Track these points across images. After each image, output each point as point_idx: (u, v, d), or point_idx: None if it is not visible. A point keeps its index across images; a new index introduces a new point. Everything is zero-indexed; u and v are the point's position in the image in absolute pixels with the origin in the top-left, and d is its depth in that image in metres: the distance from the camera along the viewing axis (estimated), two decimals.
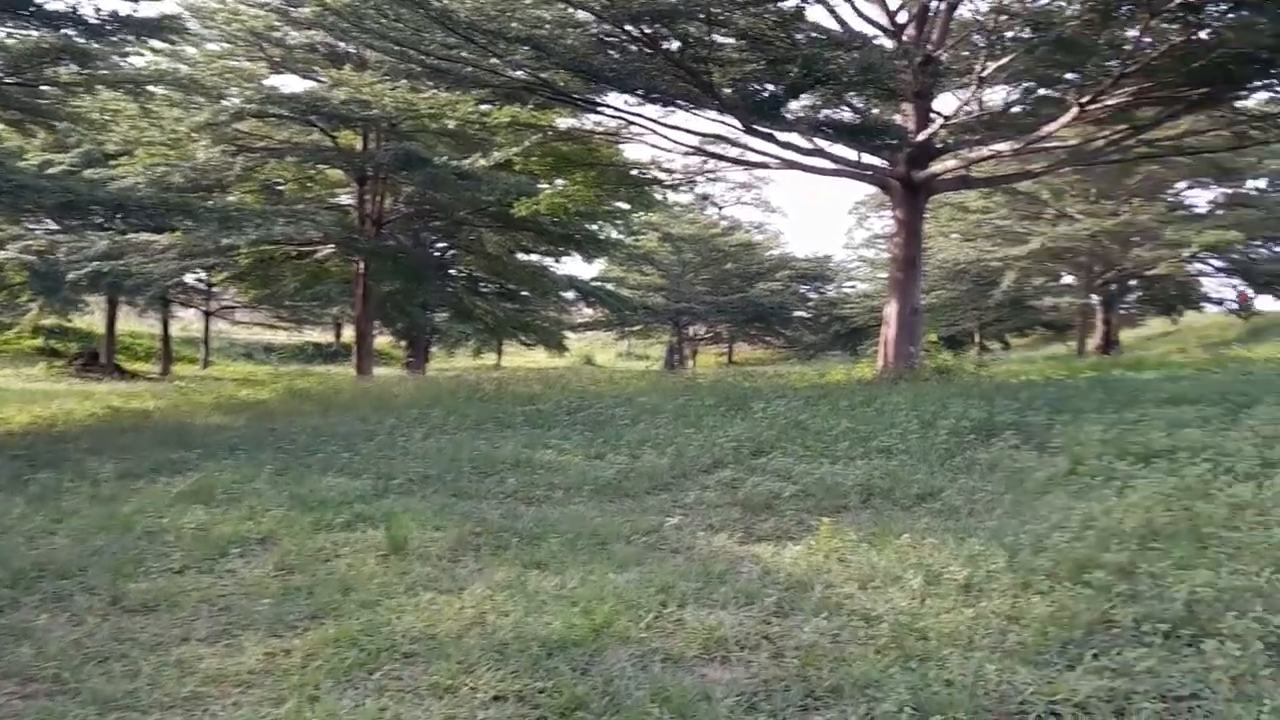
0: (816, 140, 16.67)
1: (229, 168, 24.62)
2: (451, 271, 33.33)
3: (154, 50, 22.57)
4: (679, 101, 15.71)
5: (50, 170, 26.13)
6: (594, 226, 31.91)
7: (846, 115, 17.17)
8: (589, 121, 18.05)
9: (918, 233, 17.37)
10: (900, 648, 4.28)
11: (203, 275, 40.94)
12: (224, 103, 22.03)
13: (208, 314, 45.34)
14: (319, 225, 23.63)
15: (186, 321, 53.30)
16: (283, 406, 14.81)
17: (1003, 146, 16.76)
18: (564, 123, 17.53)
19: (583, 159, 18.75)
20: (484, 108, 16.80)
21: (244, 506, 7.37)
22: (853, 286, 54.89)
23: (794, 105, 15.93)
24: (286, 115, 23.33)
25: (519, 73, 14.88)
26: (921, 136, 16.27)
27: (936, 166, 17.03)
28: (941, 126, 16.41)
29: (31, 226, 29.26)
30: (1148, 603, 4.47)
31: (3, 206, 15.88)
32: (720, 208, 66.59)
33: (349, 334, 45.99)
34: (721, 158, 18.29)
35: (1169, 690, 3.71)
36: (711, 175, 55.10)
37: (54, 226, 28.93)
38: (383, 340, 50.90)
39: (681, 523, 6.82)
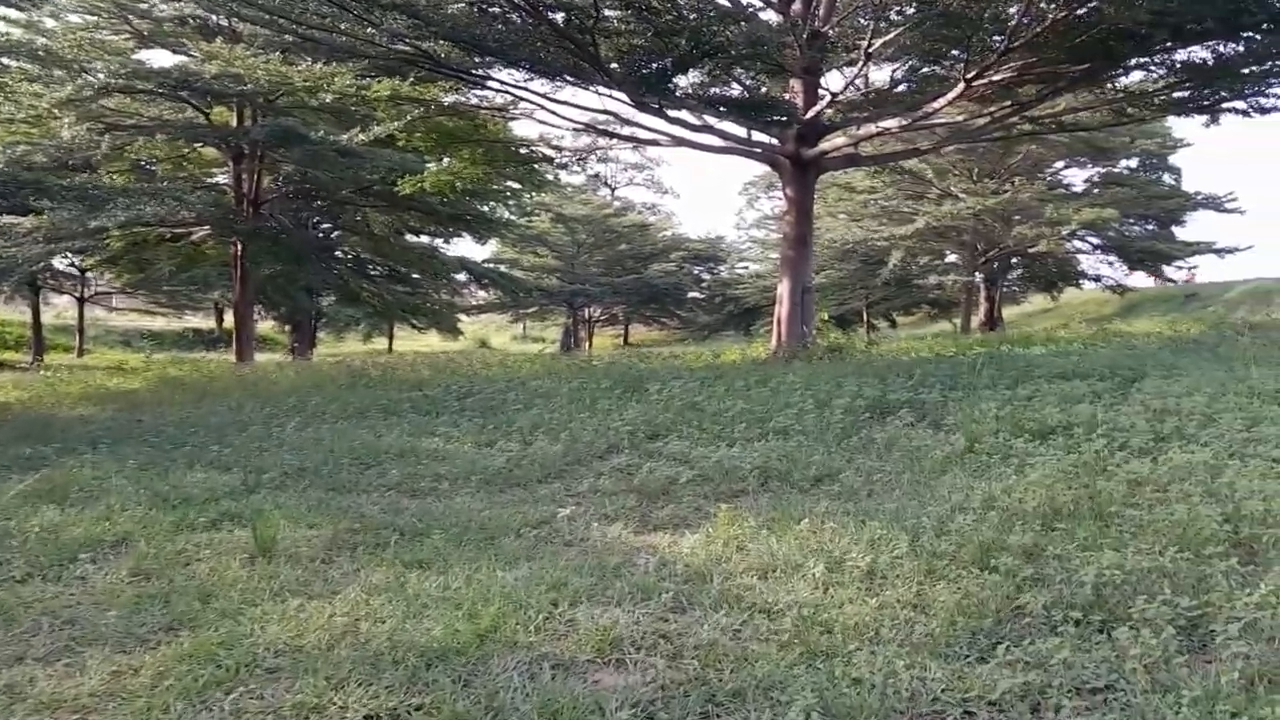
0: (706, 117, 16.46)
1: (95, 146, 23.27)
2: (337, 254, 32.31)
3: (6, 20, 21.22)
4: (566, 76, 15.29)
5: None
6: (485, 207, 31.28)
7: (735, 91, 16.99)
8: (474, 97, 17.44)
9: (808, 211, 17.32)
10: (804, 644, 4.03)
11: (75, 260, 39.21)
12: (87, 78, 20.72)
13: (81, 300, 43.38)
14: (191, 205, 22.48)
15: (61, 308, 50.87)
16: (153, 396, 13.99)
17: (890, 123, 16.82)
18: (449, 98, 16.88)
19: (469, 135, 18.15)
20: (363, 81, 16.09)
21: (100, 506, 6.77)
22: (745, 267, 55.36)
23: (683, 81, 15.67)
24: (155, 91, 22.13)
25: (399, 44, 14.23)
26: (810, 114, 16.19)
27: (826, 144, 17.01)
28: (830, 104, 16.37)
29: None
30: (1056, 588, 4.31)
31: None
32: (613, 189, 66.48)
33: (231, 320, 44.41)
34: (612, 135, 17.99)
35: (1084, 683, 3.53)
36: (602, 153, 54.82)
37: None
38: (267, 326, 49.40)
39: (575, 513, 6.48)
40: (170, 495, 7.04)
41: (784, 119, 16.24)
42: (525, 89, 16.11)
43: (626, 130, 18.18)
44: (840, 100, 16.39)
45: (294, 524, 6.15)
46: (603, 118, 18.70)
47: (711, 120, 16.46)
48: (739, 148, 17.31)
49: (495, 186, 24.65)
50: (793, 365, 13.39)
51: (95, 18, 22.17)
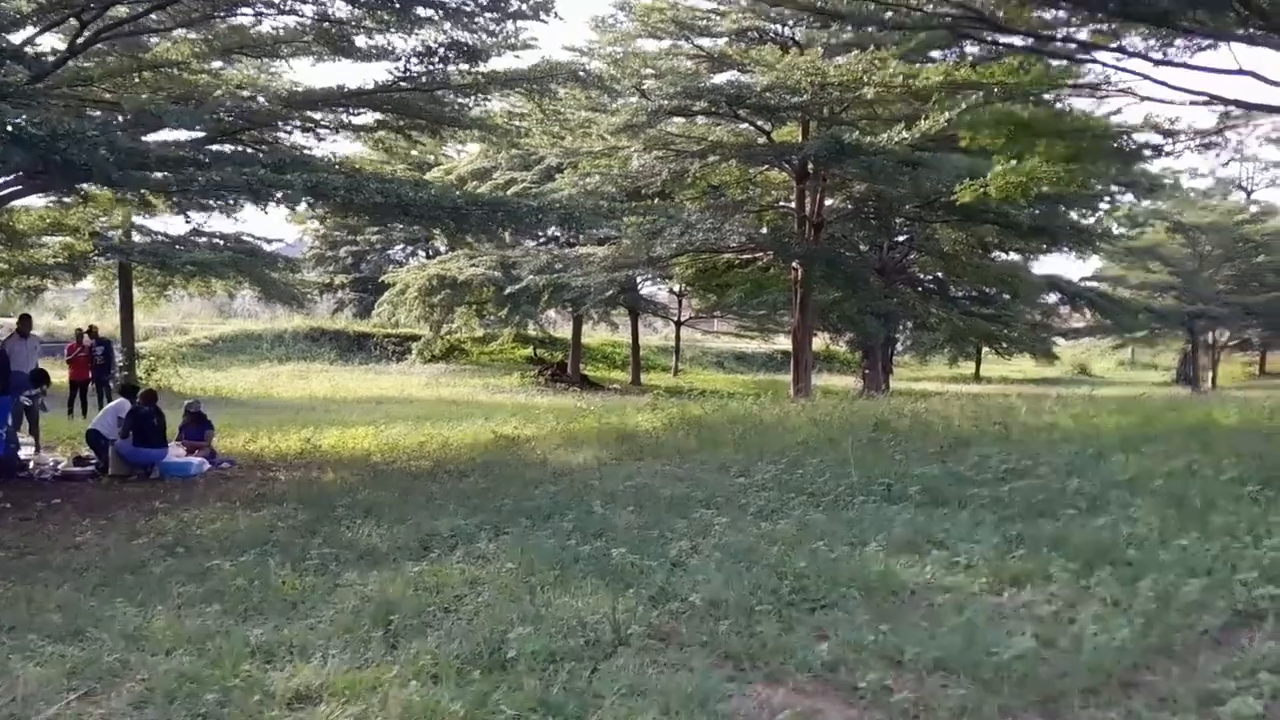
0: None
1: (658, 173, 23.18)
2: (907, 275, 29.69)
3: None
4: (1181, 24, 11.02)
5: (513, 189, 26.54)
6: (1079, 216, 26.67)
7: None
8: (1053, 69, 13.66)
9: None
10: None
11: (669, 287, 41.58)
12: (644, 102, 20.47)
13: (678, 323, 45.87)
14: (739, 231, 21.25)
15: (669, 332, 54.61)
16: (650, 441, 12.42)
17: None
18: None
19: (1048, 125, 14.37)
20: (908, 66, 13.24)
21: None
22: None
23: None
24: (711, 111, 21.37)
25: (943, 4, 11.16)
26: None
27: None
28: None
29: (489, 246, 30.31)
30: None
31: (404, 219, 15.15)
32: (1249, 190, 55.71)
33: (821, 343, 44.02)
34: (1259, 107, 13.11)
35: None
36: (1238, 142, 45.37)
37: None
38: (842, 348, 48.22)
39: None
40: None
41: None
42: (1119, 51, 12.09)
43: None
44: None
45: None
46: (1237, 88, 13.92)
47: None
48: None
49: (1086, 190, 20.25)
50: None
51: (654, 37, 21.87)
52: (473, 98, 15.99)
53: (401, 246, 47.50)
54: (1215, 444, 9.26)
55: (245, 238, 27.72)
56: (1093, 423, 12.11)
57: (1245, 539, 5.70)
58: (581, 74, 15.83)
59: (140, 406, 12.21)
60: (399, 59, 14.59)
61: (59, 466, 12.40)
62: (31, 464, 12.49)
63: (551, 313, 41.38)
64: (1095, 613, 4.71)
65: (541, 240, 33.27)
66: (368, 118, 16.39)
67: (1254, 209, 47.46)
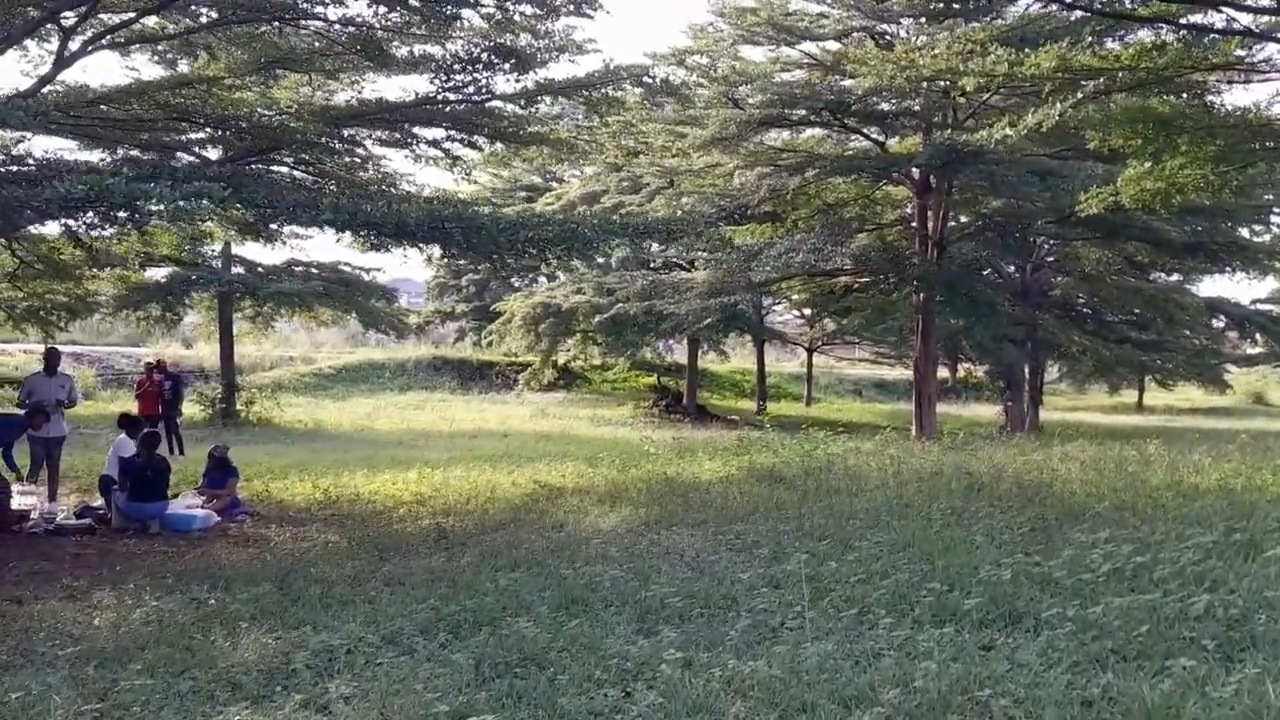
0: None
1: (757, 191, 21.25)
2: (1047, 298, 26.76)
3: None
4: None
5: (620, 213, 25.14)
6: (1250, 232, 23.47)
7: None
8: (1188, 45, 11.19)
9: None
10: None
11: (804, 312, 39.55)
12: (734, 111, 18.61)
13: (810, 350, 43.80)
14: (846, 252, 19.12)
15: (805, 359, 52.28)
16: (708, 494, 10.56)
17: None
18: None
19: (1191, 118, 11.89)
20: (1012, 53, 11.00)
21: None
22: None
23: None
24: (813, 121, 19.35)
25: None
26: None
27: None
28: None
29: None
30: None
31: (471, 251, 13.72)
32: None
33: (974, 369, 40.97)
34: None
35: None
36: None
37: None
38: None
39: None
40: None
41: None
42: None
43: None
44: None
45: None
46: None
47: None
48: None
49: (1249, 201, 17.33)
50: None
51: (750, 41, 19.94)
52: (530, 110, 14.55)
53: (521, 275, 46.79)
54: None
55: (342, 267, 27.18)
56: (1252, 484, 9.61)
57: None
58: (648, 79, 14.10)
59: (134, 458, 11.08)
60: (441, 70, 13.29)
61: (56, 518, 11.37)
62: (35, 514, 11.51)
63: (674, 340, 39.88)
64: None
65: (652, 265, 31.69)
66: (432, 134, 15.14)
67: None
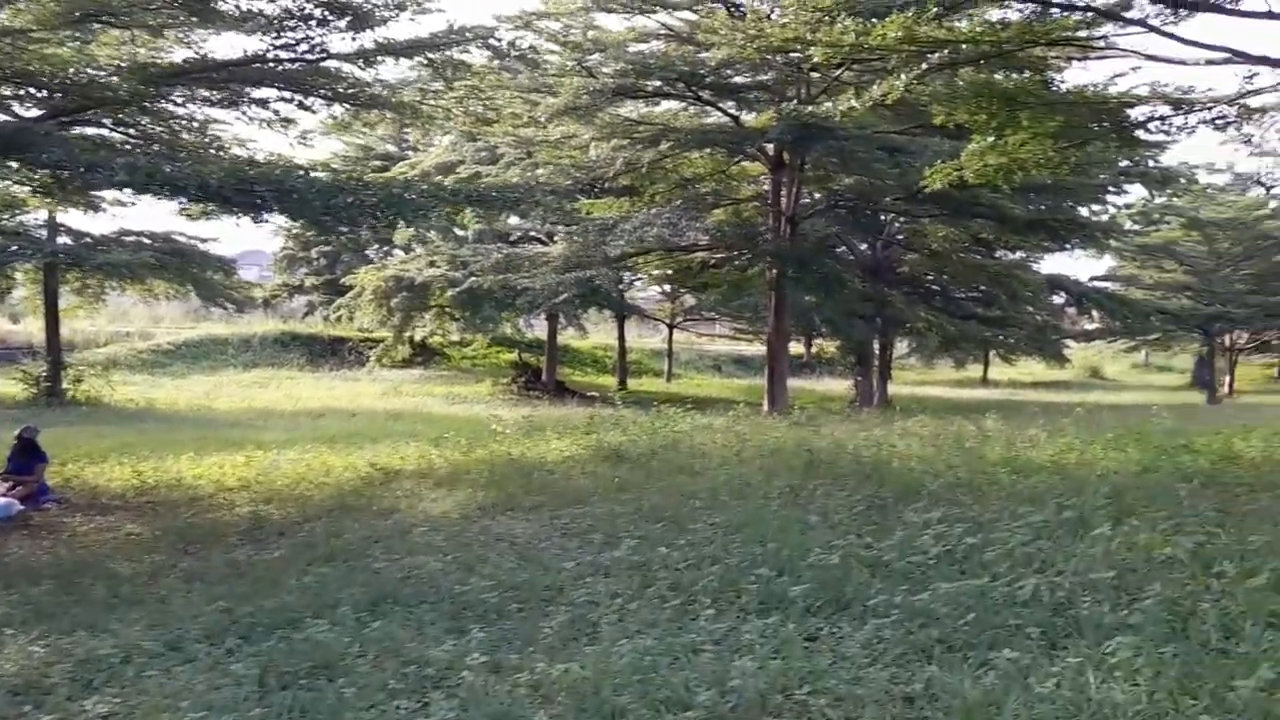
0: None
1: (612, 163, 20.87)
2: (894, 274, 27.27)
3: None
4: None
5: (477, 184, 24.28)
6: (1089, 212, 24.34)
7: None
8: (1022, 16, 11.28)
9: None
10: None
11: (665, 288, 39.46)
12: (588, 81, 18.13)
13: (670, 326, 43.65)
14: (699, 228, 18.92)
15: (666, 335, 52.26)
16: (552, 475, 10.16)
17: None
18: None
19: (1032, 94, 12.01)
20: (859, 22, 10.86)
21: None
22: None
23: None
24: (669, 93, 19.03)
25: None
26: None
27: None
28: None
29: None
30: None
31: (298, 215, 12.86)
32: (1268, 186, 52.99)
33: (826, 344, 41.66)
34: None
35: None
36: (1261, 130, 42.83)
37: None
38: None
39: None
40: None
41: None
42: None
43: None
44: None
45: None
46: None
47: None
48: None
49: (1089, 180, 17.84)
50: None
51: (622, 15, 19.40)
52: (370, 71, 13.77)
53: (376, 247, 45.16)
54: (1237, 502, 6.94)
55: (176, 237, 25.60)
56: (1084, 460, 9.76)
57: None
58: (494, 42, 13.51)
59: None
60: (271, 26, 12.39)
61: None
62: None
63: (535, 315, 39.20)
64: None
65: (510, 239, 30.94)
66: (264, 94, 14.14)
67: (1274, 204, 44.65)
